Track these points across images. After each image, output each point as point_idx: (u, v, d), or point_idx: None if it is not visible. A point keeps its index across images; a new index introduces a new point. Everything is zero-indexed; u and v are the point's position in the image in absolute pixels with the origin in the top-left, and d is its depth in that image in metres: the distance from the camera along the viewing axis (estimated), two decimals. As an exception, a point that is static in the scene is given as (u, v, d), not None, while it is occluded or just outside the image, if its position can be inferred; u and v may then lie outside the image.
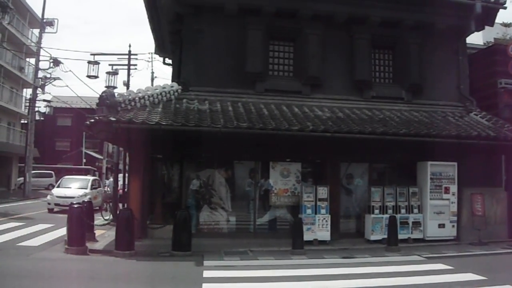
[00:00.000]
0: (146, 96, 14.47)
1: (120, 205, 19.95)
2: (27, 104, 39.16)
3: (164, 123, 12.87)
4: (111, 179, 27.99)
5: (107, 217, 19.77)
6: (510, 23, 28.69)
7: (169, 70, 28.95)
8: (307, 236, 13.91)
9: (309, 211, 14.58)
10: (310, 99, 16.30)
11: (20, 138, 41.81)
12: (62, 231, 14.72)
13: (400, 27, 16.78)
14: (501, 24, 27.03)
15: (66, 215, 13.37)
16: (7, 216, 20.54)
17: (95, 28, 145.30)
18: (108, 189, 28.21)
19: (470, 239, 14.98)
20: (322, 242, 14.38)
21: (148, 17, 18.68)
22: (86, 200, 17.35)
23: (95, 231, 15.09)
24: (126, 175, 20.60)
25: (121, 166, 25.60)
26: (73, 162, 55.75)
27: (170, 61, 22.62)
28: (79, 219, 12.66)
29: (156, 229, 14.53)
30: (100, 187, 28.83)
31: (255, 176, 15.68)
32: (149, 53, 52.94)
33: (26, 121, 39.80)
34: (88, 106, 38.49)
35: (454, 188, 15.47)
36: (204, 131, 13.19)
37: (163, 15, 17.28)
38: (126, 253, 12.07)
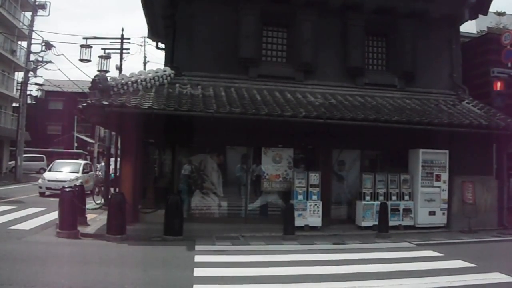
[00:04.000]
0: (138, 80, 14.42)
1: (112, 189, 19.94)
2: (19, 88, 38.85)
3: (156, 107, 12.86)
4: (103, 163, 27.94)
5: (98, 201, 19.76)
6: (504, 12, 28.65)
7: (162, 54, 28.77)
8: (299, 222, 14.00)
9: (300, 197, 14.64)
10: (303, 85, 16.30)
11: (12, 122, 41.60)
12: (54, 215, 14.68)
13: (394, 14, 16.73)
14: (494, 13, 26.99)
15: (57, 199, 13.36)
16: (-2, 200, 20.48)
17: (87, 11, 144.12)
18: (100, 173, 28.17)
19: (460, 227, 15.10)
20: (313, 228, 14.47)
21: (142, 1, 18.49)
22: (77, 184, 17.31)
23: (86, 215, 15.09)
24: (118, 159, 20.58)
25: (113, 150, 25.51)
26: (65, 146, 55.43)
27: (163, 46, 22.43)
28: (71, 203, 12.64)
29: (147, 213, 14.54)
30: (91, 171, 28.77)
31: (247, 162, 15.72)
32: (142, 37, 52.73)
33: (17, 105, 39.48)
34: (80, 90, 38.15)
35: (445, 176, 15.55)
36: (197, 116, 13.20)
37: (156, -1, 17.15)
38: (117, 237, 12.08)
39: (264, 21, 16.29)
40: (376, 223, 14.37)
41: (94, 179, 27.07)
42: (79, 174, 25.29)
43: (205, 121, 13.43)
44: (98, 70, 25.21)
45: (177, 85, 15.09)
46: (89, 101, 12.95)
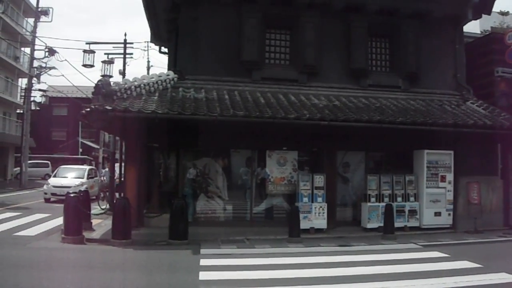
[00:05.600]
0: (142, 85, 14.43)
1: (117, 194, 19.93)
2: (23, 94, 39.01)
3: (160, 111, 12.85)
4: (107, 169, 27.98)
5: (103, 207, 19.77)
6: (507, 12, 28.57)
7: (165, 58, 28.69)
8: (304, 224, 13.95)
9: (305, 199, 14.59)
10: (306, 88, 16.27)
11: (16, 128, 41.74)
12: (59, 221, 14.73)
13: (397, 15, 16.69)
14: (498, 12, 26.93)
15: (62, 205, 13.37)
16: (3, 206, 20.50)
17: (90, 16, 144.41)
18: (105, 178, 28.20)
19: (466, 227, 15.04)
20: (319, 230, 14.42)
21: (144, 6, 18.51)
22: (82, 190, 17.31)
23: (91, 221, 15.13)
24: (123, 164, 20.59)
25: (117, 156, 25.53)
26: (69, 152, 55.58)
27: (166, 50, 22.51)
28: (76, 208, 12.65)
29: (152, 218, 14.52)
30: (96, 177, 28.79)
31: (251, 165, 15.68)
32: (145, 41, 52.85)
33: (21, 111, 39.64)
34: (84, 96, 38.28)
35: (450, 177, 15.50)
36: (201, 120, 13.18)
37: (159, 3, 17.14)
38: (123, 242, 12.08)
39: (267, 24, 16.30)
40: (382, 224, 14.32)
41: (99, 185, 27.09)
42: (84, 180, 25.36)
43: (209, 125, 13.43)
44: (102, 75, 25.24)
45: (181, 89, 15.09)
46: (93, 106, 12.94)
